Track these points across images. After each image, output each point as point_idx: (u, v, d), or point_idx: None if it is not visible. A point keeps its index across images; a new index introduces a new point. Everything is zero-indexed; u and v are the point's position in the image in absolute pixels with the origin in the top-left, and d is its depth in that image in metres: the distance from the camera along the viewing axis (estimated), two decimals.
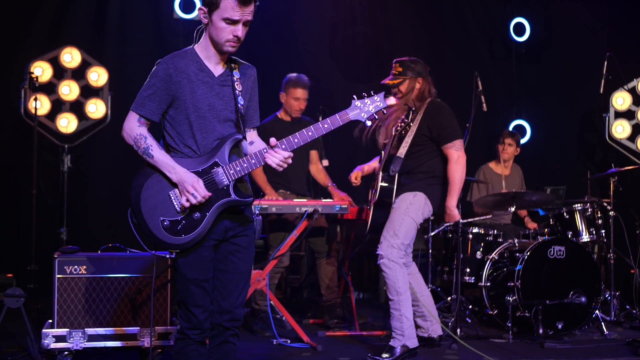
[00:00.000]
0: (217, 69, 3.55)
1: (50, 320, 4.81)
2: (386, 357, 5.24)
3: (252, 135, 3.75)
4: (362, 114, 3.57)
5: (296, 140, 3.51)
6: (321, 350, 5.61)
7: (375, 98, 3.59)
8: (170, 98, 3.49)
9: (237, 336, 3.64)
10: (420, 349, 5.42)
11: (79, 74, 7.79)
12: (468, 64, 8.87)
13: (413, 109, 5.21)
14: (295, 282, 8.38)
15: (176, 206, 3.45)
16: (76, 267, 4.78)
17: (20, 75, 7.52)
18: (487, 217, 7.21)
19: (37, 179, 6.59)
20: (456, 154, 5.43)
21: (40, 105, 7.37)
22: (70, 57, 7.73)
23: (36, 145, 6.65)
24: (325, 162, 7.15)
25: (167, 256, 3.51)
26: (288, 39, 8.66)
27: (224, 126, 3.54)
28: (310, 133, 3.52)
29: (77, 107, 7.79)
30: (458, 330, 6.07)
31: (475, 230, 6.95)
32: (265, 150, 3.49)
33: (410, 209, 5.38)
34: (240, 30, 3.43)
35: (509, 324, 6.14)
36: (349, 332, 6.32)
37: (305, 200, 5.90)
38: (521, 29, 9.37)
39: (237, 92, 3.55)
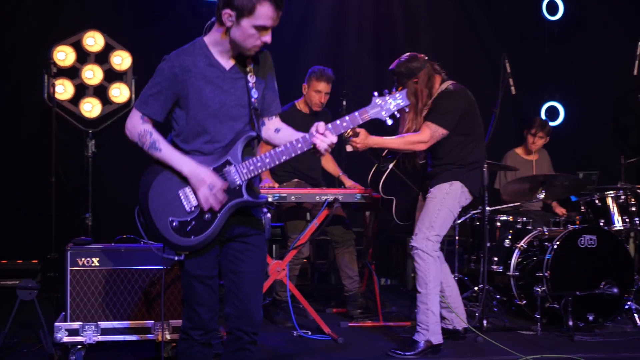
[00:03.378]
0: (229, 62, 3.37)
1: (64, 313, 4.75)
2: (408, 352, 5.12)
3: (275, 122, 3.58)
4: (383, 112, 3.39)
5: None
6: (342, 342, 5.50)
7: (397, 95, 3.41)
8: (176, 97, 3.33)
9: (254, 343, 3.48)
10: (444, 341, 5.28)
11: (102, 58, 7.76)
12: (499, 44, 8.69)
13: None
14: (322, 267, 8.29)
15: (185, 206, 3.31)
16: (89, 259, 4.70)
17: (43, 60, 7.47)
18: (516, 204, 7.03)
19: (55, 165, 6.54)
20: (427, 136, 5.17)
21: (64, 89, 7.37)
22: (94, 41, 7.68)
23: (54, 130, 6.59)
24: None
25: (175, 259, 3.37)
26: (311, 21, 8.49)
27: (235, 123, 3.37)
28: None
29: (100, 92, 7.76)
30: (484, 322, 5.89)
31: (504, 217, 6.75)
32: (289, 144, 3.34)
33: (447, 199, 5.23)
34: (270, 37, 3.27)
35: (538, 316, 5.98)
36: (372, 322, 6.21)
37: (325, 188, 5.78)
38: (554, 7, 9.11)
39: (250, 84, 3.38)
